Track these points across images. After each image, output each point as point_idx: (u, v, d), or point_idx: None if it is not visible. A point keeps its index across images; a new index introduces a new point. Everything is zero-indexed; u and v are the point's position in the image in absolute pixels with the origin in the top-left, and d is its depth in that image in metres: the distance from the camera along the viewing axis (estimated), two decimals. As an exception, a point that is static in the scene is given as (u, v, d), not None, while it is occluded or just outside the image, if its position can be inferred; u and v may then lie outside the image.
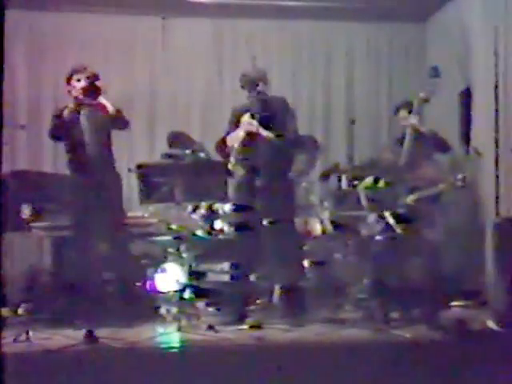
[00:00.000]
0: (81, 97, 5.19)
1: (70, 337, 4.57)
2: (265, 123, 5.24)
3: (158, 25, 7.46)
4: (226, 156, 5.28)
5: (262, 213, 5.21)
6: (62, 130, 5.30)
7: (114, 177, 5.46)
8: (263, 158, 5.24)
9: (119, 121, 5.32)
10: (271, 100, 5.38)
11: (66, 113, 5.22)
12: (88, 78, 5.19)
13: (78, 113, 5.26)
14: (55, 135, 5.43)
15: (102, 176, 5.28)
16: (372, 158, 6.23)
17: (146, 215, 5.86)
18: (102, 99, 5.22)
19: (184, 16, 7.47)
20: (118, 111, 5.29)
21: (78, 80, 5.27)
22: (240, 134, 5.23)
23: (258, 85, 5.27)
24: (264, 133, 5.21)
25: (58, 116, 5.29)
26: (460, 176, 5.37)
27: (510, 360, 4.07)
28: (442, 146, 5.69)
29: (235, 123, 5.34)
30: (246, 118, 5.27)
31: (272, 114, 5.28)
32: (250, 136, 5.21)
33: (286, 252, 5.27)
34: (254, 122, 5.22)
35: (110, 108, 5.23)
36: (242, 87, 5.33)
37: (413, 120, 5.47)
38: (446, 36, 6.99)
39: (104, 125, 5.33)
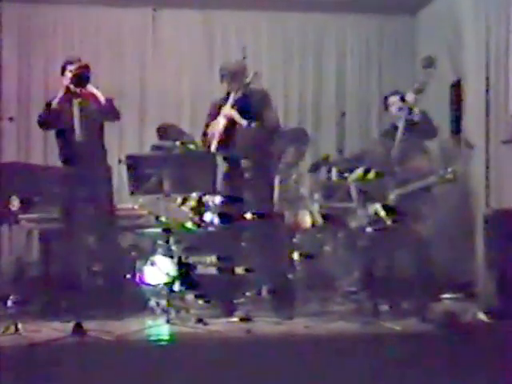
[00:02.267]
0: (71, 86, 5.16)
1: (58, 329, 4.55)
2: (244, 114, 5.26)
3: (149, 16, 7.44)
4: (208, 146, 5.32)
5: (250, 205, 5.20)
6: (51, 118, 5.28)
7: (103, 168, 5.43)
8: (245, 149, 5.23)
9: (110, 112, 5.31)
10: (251, 92, 5.38)
11: (54, 102, 5.21)
12: (77, 67, 5.17)
13: (70, 102, 5.23)
14: (42, 123, 5.42)
15: (91, 167, 5.24)
16: (362, 149, 6.20)
17: (135, 207, 5.83)
18: (91, 88, 5.21)
19: (174, 8, 7.45)
20: (110, 101, 5.28)
21: (70, 72, 5.26)
22: (221, 121, 5.24)
23: (238, 77, 5.29)
24: (243, 122, 5.21)
25: (48, 104, 5.27)
26: (450, 169, 5.34)
27: (500, 351, 4.07)
28: (430, 132, 5.60)
29: (215, 115, 5.41)
30: (226, 108, 5.34)
31: (251, 105, 5.28)
32: (231, 124, 5.22)
33: (275, 244, 5.26)
34: (234, 111, 5.27)
35: (102, 98, 5.22)
36: (222, 79, 5.35)
37: (410, 97, 5.34)
38: (437, 28, 6.98)
39: (96, 116, 5.31)
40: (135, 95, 7.35)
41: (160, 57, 7.43)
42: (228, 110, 5.30)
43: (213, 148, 5.27)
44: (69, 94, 5.19)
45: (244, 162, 5.24)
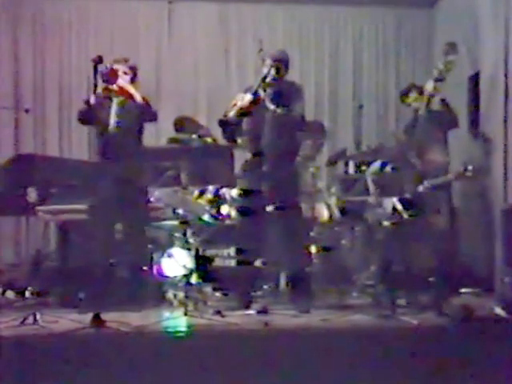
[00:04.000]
0: (104, 84, 5.23)
1: (77, 320, 4.57)
2: (273, 101, 5.20)
3: (164, 9, 7.45)
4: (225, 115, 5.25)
5: (269, 198, 5.20)
6: (89, 115, 5.31)
7: (138, 164, 5.45)
8: (269, 139, 5.23)
9: (146, 111, 5.35)
10: (285, 83, 5.34)
11: (92, 98, 5.24)
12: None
13: (109, 99, 5.31)
14: (81, 119, 5.44)
15: (127, 163, 5.27)
16: (380, 143, 6.19)
17: (152, 199, 5.83)
18: (128, 87, 5.30)
19: (190, 0, 7.45)
20: (145, 100, 5.34)
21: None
22: (247, 96, 5.20)
23: (279, 63, 5.25)
24: (270, 106, 5.19)
25: (87, 101, 5.30)
26: (470, 167, 5.32)
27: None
28: (452, 123, 5.55)
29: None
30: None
31: (282, 94, 5.24)
32: (256, 101, 5.17)
33: (293, 237, 5.25)
34: (263, 95, 5.20)
35: (138, 98, 5.29)
36: (262, 63, 5.29)
37: (430, 86, 5.26)
38: (455, 21, 6.95)
39: (133, 114, 5.35)
40: (151, 88, 7.32)
41: (175, 49, 7.45)
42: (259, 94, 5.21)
43: (230, 115, 5.21)
44: (106, 91, 5.28)
45: (269, 154, 5.19)
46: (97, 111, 5.25)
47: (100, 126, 5.37)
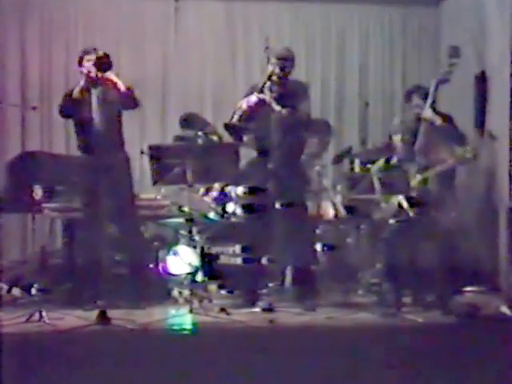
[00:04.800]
0: (90, 74, 5.19)
1: (82, 317, 4.58)
2: (279, 100, 5.21)
3: (171, 7, 7.44)
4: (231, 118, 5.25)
5: (274, 196, 5.20)
6: (71, 107, 5.31)
7: (121, 157, 5.44)
8: (275, 139, 5.23)
9: (130, 99, 5.30)
10: (290, 82, 5.35)
11: (76, 91, 5.24)
12: (96, 55, 5.20)
13: (89, 92, 5.26)
14: (64, 113, 5.44)
15: (109, 156, 5.26)
16: (385, 141, 6.17)
17: (158, 197, 5.85)
18: (111, 76, 5.23)
19: (197, -2, 7.47)
20: (129, 89, 5.28)
21: (88, 61, 5.27)
22: (253, 98, 5.20)
23: (284, 63, 5.26)
24: (276, 107, 5.18)
25: (69, 94, 5.30)
26: (469, 148, 5.23)
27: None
28: (458, 139, 5.54)
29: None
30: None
31: (288, 93, 5.24)
32: (262, 104, 5.19)
33: (298, 235, 5.26)
34: (269, 94, 5.21)
35: (122, 86, 5.24)
36: (268, 61, 5.28)
37: (428, 113, 5.29)
38: (461, 19, 6.94)
39: (115, 103, 5.31)
40: (157, 85, 7.36)
41: (182, 47, 7.43)
42: (264, 93, 5.22)
43: (235, 119, 5.21)
44: (89, 83, 5.22)
45: (275, 152, 5.20)
46: (77, 104, 5.24)
47: (80, 119, 5.33)
